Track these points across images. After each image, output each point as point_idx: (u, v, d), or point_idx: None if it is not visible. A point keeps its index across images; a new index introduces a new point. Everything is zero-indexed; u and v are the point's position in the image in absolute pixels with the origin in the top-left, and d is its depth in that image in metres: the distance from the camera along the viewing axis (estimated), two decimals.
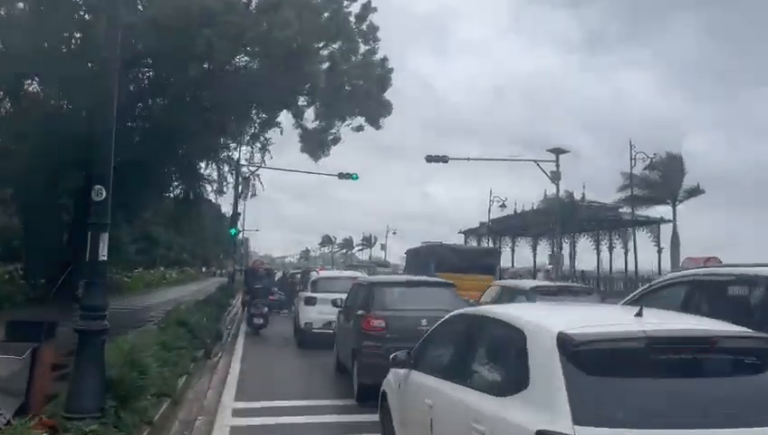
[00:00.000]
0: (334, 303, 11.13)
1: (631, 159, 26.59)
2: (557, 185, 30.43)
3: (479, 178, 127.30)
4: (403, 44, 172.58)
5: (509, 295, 11.01)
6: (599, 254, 39.05)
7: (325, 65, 19.13)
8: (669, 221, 30.77)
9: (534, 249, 44.98)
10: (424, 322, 8.16)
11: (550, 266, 33.53)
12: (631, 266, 34.73)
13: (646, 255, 33.12)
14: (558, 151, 30.09)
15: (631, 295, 6.74)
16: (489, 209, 42.03)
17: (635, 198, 28.76)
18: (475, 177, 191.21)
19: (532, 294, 10.38)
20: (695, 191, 28.49)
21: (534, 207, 37.56)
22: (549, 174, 30.52)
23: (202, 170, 25.95)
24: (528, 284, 10.92)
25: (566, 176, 30.23)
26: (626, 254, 36.05)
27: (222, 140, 24.39)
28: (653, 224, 32.59)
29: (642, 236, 33.65)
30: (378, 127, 21.01)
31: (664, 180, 28.29)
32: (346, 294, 11.26)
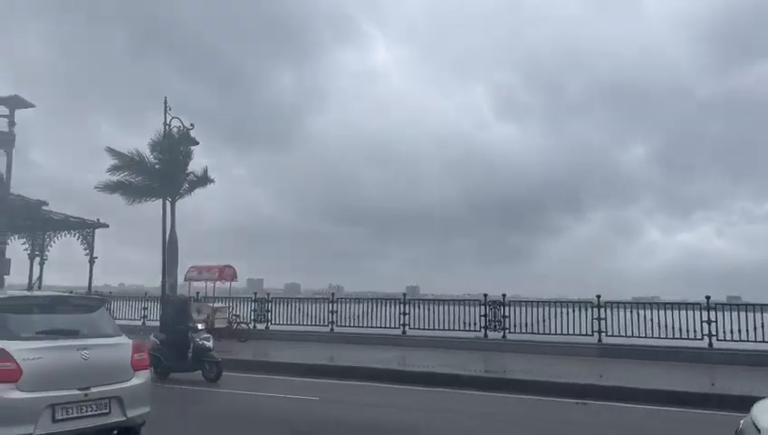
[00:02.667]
0: None
1: (165, 124, 18.95)
2: (9, 153, 20.16)
3: None
4: None
5: None
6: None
7: None
8: (105, 226, 23.95)
9: None
10: None
11: None
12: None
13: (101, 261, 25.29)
14: (14, 103, 19.92)
15: None
16: None
17: (125, 186, 20.80)
18: None
19: None
20: (203, 180, 21.38)
21: None
22: None
23: None
24: None
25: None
26: (41, 264, 25.68)
27: None
28: (90, 227, 24.68)
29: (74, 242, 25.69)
30: None
31: (166, 164, 20.16)
32: None
